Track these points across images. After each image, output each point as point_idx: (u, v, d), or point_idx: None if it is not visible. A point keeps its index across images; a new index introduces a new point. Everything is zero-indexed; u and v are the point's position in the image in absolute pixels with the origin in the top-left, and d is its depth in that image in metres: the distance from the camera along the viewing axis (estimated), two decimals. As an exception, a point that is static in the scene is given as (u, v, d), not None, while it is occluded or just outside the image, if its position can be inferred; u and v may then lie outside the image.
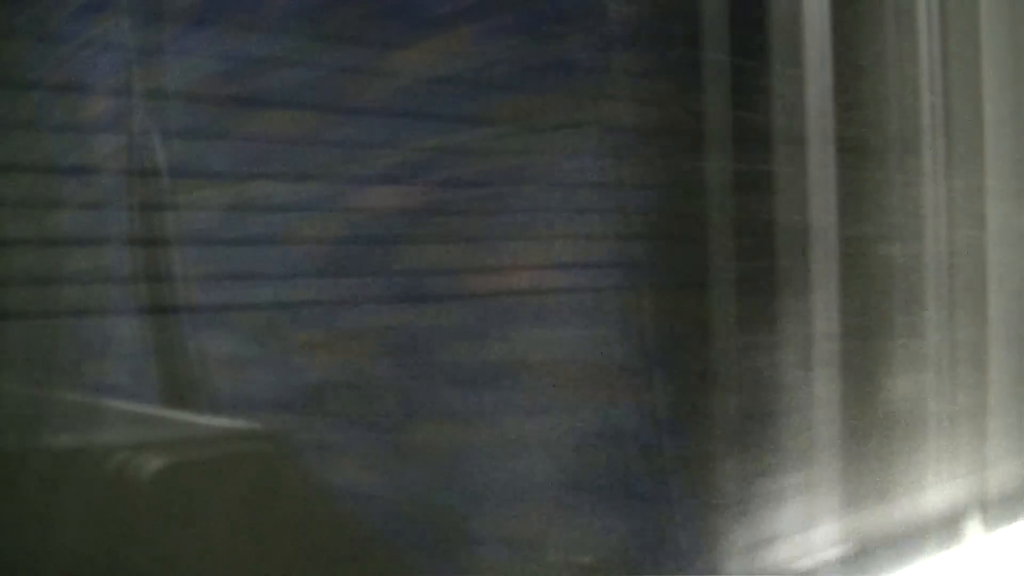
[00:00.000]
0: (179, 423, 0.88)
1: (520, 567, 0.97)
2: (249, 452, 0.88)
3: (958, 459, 1.33)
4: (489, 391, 0.98)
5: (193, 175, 0.87)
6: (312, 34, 0.91)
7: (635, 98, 1.06)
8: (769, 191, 1.15)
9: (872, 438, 1.22)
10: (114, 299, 0.84)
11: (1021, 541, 1.33)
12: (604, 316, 1.04)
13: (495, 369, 0.99)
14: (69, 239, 0.82)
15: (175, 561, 0.80)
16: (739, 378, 1.08)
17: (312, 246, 0.93)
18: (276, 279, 0.91)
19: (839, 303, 1.20)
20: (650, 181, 1.06)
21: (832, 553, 1.14)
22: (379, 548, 0.93)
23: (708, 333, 1.07)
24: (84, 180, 0.83)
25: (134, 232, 0.84)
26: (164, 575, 0.80)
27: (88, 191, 0.83)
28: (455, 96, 0.99)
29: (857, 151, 1.26)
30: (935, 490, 1.28)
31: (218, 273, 0.88)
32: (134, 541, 0.79)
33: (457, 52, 0.98)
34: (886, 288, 1.29)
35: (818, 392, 1.18)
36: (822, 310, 1.19)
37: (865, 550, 1.16)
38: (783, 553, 1.10)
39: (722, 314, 1.07)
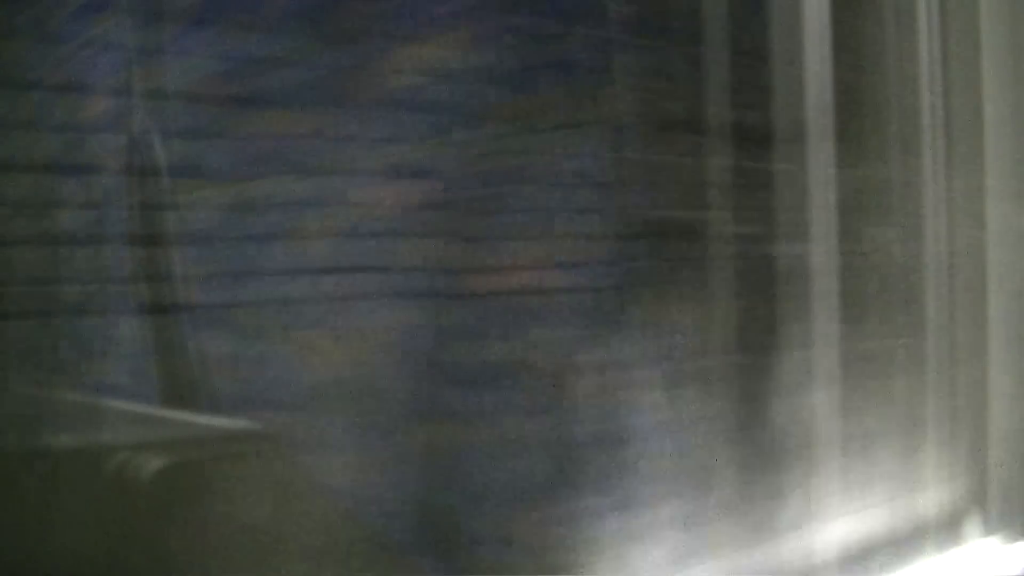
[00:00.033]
0: (179, 423, 0.87)
1: (520, 567, 0.97)
2: (250, 452, 0.88)
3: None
4: (489, 391, 0.98)
5: (193, 175, 0.87)
6: (312, 34, 0.91)
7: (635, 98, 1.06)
8: (769, 191, 1.15)
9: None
10: (114, 299, 0.84)
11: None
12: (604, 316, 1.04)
13: (495, 369, 0.99)
14: (69, 239, 0.82)
15: (175, 561, 0.80)
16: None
17: (311, 245, 0.93)
18: (276, 278, 0.91)
19: (839, 302, 1.20)
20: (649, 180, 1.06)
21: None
22: (379, 548, 0.92)
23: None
24: (84, 180, 0.83)
25: (134, 232, 0.84)
26: (164, 575, 0.80)
27: (88, 191, 0.83)
28: (455, 96, 0.99)
29: (857, 151, 1.26)
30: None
31: (218, 272, 0.88)
32: (134, 541, 0.79)
33: (457, 52, 0.98)
34: (886, 288, 1.29)
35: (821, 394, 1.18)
36: (822, 310, 1.19)
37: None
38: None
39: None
